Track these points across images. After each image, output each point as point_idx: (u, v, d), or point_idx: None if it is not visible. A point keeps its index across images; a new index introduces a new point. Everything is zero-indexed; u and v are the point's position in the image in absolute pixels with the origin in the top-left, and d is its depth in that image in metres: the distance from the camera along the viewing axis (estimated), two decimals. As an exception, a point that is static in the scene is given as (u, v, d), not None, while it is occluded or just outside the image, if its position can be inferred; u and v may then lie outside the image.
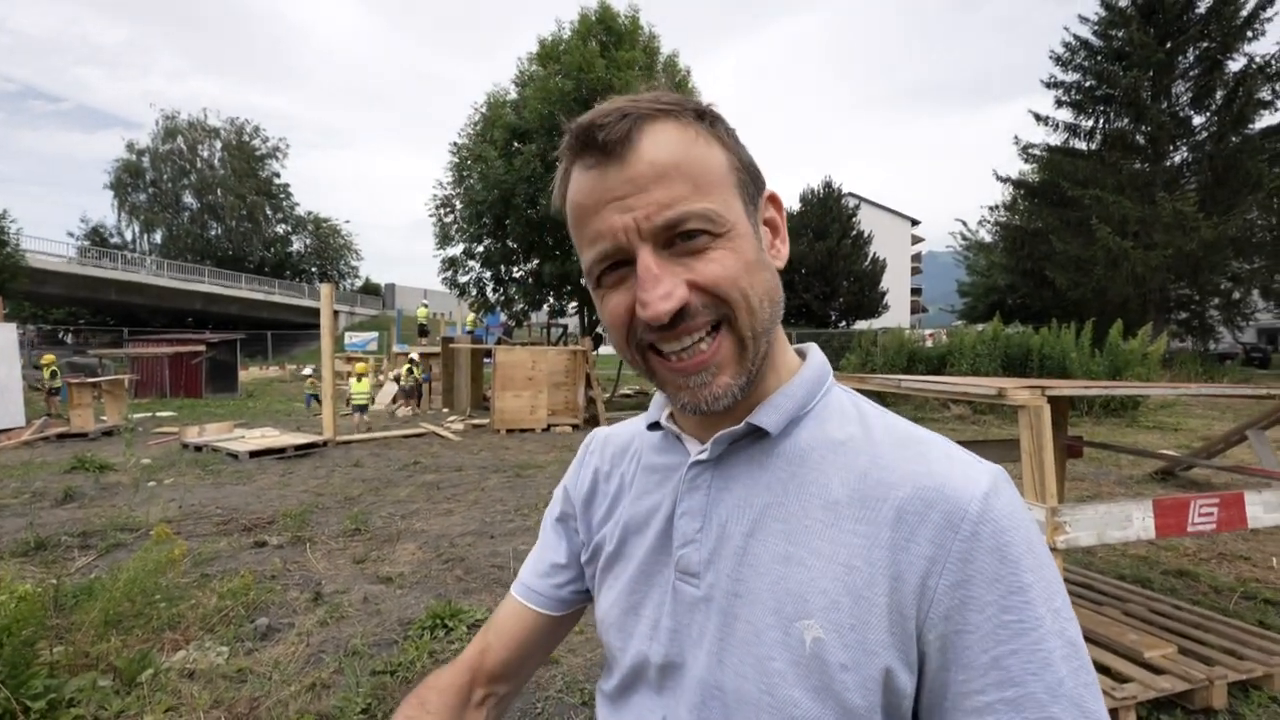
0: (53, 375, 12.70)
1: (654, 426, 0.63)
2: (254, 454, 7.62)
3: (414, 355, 14.75)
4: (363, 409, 10.65)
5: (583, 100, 14.05)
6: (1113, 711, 2.12)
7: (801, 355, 0.60)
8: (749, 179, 0.53)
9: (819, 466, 0.52)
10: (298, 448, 8.05)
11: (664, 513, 0.59)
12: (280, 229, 49.07)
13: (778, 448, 0.54)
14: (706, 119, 0.51)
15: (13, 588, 2.34)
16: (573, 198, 0.51)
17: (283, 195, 48.47)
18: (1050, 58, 22.77)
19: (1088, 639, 2.57)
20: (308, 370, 13.37)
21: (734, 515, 0.54)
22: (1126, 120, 21.57)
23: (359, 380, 10.90)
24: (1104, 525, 1.96)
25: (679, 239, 0.48)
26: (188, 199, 45.38)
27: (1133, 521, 1.99)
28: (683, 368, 0.50)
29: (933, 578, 0.46)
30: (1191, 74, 20.71)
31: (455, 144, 16.33)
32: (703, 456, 0.56)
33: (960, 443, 0.54)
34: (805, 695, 0.47)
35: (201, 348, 16.68)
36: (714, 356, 0.49)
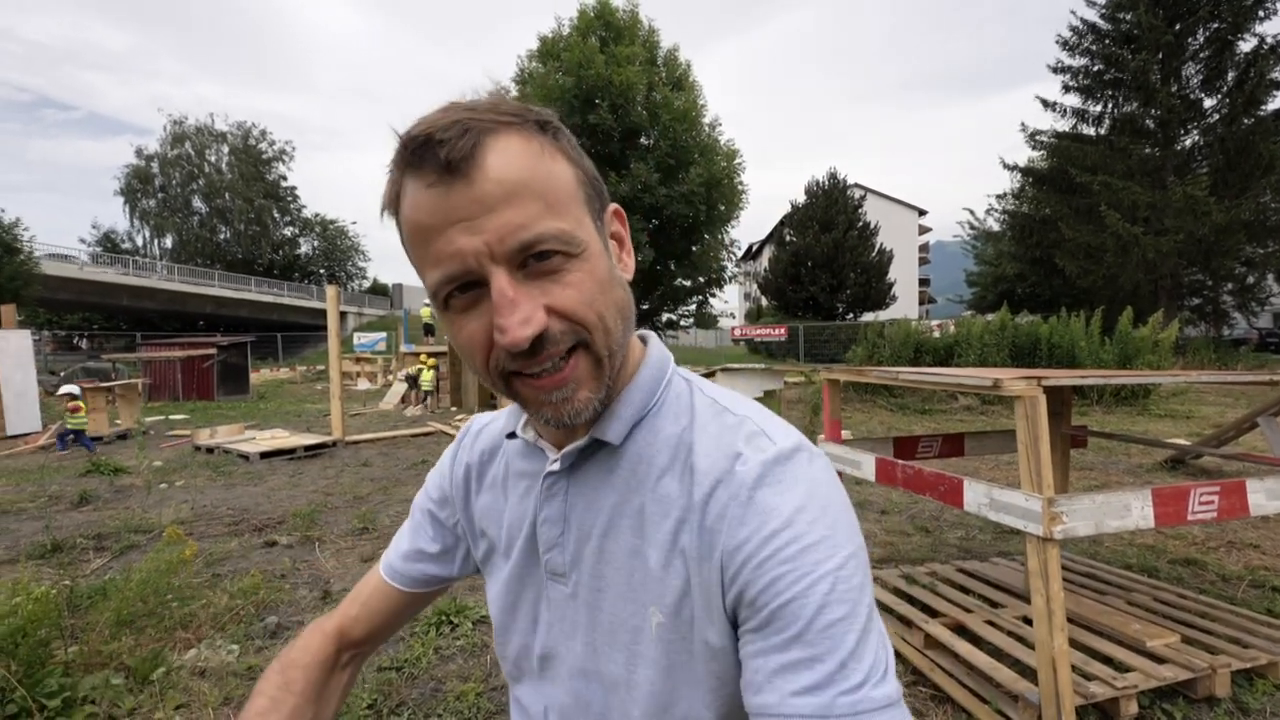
0: None
1: (511, 435, 0.65)
2: (264, 455, 7.70)
3: (424, 356, 14.82)
4: (429, 394, 13.14)
5: (583, 96, 14.06)
6: (1114, 700, 2.12)
7: (644, 342, 0.62)
8: (594, 193, 0.52)
9: (653, 461, 0.56)
10: (307, 448, 8.13)
11: (529, 519, 0.62)
12: (288, 231, 49.51)
13: (622, 451, 0.57)
14: (550, 130, 0.49)
15: (28, 589, 2.39)
16: (410, 215, 0.47)
17: (290, 198, 48.87)
18: (1057, 42, 22.47)
19: (1091, 629, 2.57)
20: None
21: (589, 518, 0.58)
22: (1135, 104, 21.24)
23: (426, 371, 13.47)
24: (1101, 515, 1.96)
25: (533, 260, 0.46)
26: (197, 203, 45.88)
27: (1131, 511, 1.98)
28: (543, 385, 0.49)
29: (720, 537, 0.50)
30: (1201, 55, 20.36)
31: (458, 143, 16.38)
32: (555, 468, 0.59)
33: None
34: (657, 674, 0.53)
35: (213, 351, 16.84)
36: (572, 373, 0.50)
